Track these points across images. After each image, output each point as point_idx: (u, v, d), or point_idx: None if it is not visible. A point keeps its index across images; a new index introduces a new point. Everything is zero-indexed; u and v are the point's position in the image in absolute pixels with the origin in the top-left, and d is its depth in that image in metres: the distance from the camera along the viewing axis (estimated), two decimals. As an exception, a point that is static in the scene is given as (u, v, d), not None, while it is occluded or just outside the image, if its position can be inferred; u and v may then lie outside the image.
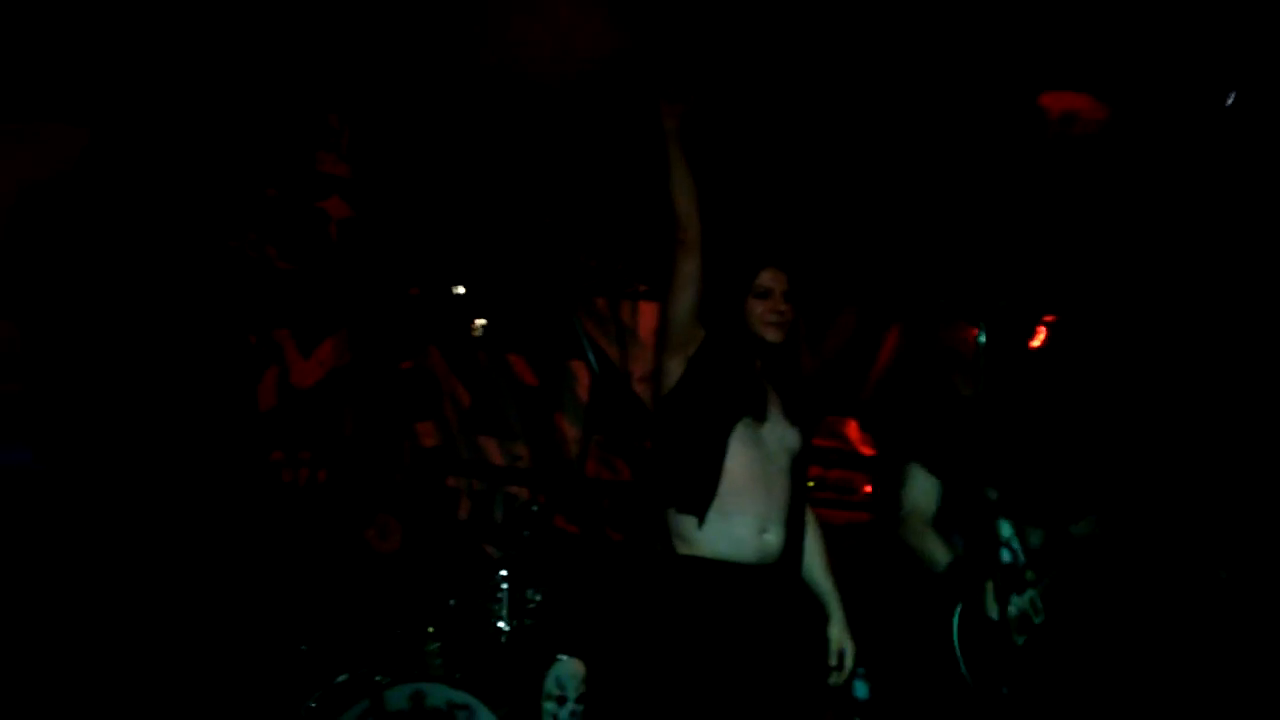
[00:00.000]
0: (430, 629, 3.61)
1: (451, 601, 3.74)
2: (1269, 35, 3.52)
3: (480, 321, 4.42)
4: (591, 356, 4.49)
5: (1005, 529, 3.21)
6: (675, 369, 2.54)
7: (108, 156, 4.19)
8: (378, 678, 3.38)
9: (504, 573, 3.77)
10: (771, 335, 2.58)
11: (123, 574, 3.75)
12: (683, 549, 2.46)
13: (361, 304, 4.88)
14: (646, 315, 5.06)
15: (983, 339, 2.95)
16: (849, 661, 2.62)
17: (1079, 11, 3.64)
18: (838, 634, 2.63)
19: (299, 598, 3.88)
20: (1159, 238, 4.15)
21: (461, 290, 4.37)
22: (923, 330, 4.79)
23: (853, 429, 4.96)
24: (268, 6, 4.12)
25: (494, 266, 4.98)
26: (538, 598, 3.80)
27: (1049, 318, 3.81)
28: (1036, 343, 3.79)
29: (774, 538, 2.49)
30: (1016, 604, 3.18)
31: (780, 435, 2.55)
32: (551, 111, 4.64)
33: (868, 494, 4.86)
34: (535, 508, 4.32)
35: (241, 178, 4.68)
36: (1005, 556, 3.20)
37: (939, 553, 3.11)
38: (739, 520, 2.45)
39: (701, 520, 2.43)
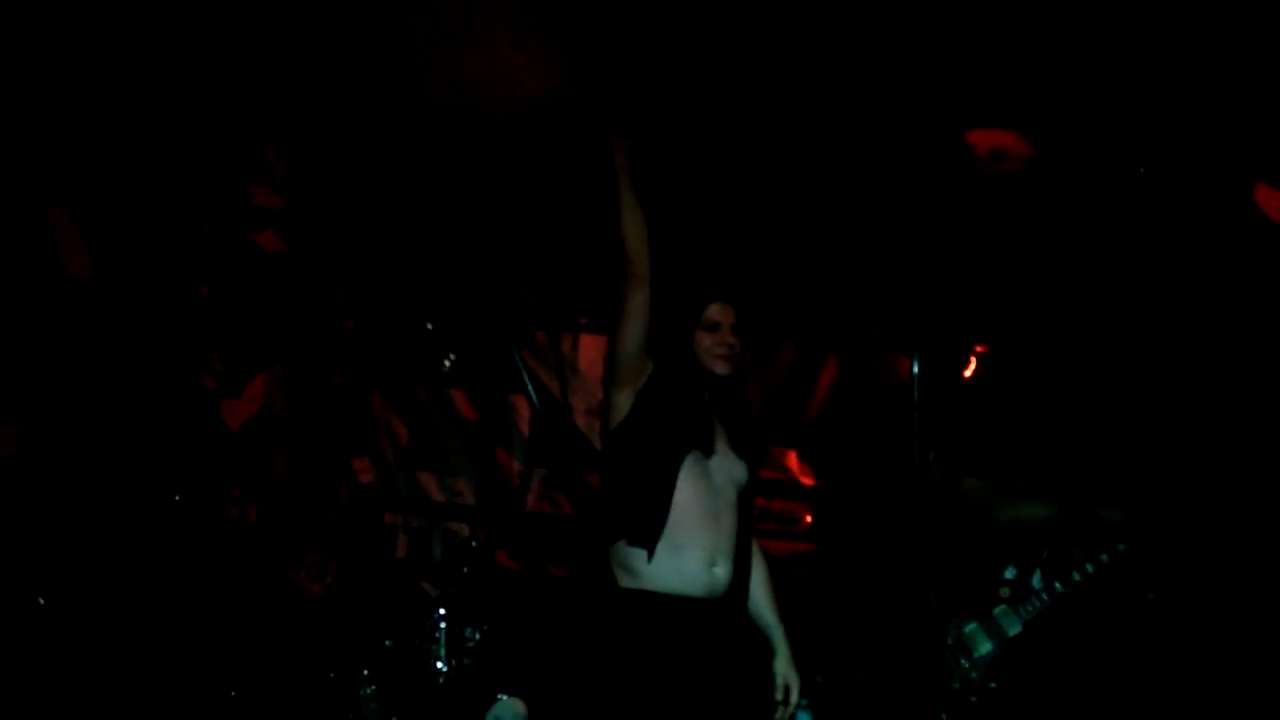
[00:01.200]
0: (365, 671, 3.51)
1: (387, 642, 3.65)
2: (1188, 71, 3.68)
3: (449, 360, 4.37)
4: (532, 390, 4.46)
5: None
6: (624, 402, 2.52)
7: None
8: (310, 723, 3.29)
9: (442, 611, 3.70)
10: (720, 368, 2.58)
11: (52, 614, 3.62)
12: (630, 583, 2.42)
13: (295, 338, 4.80)
14: (587, 348, 5.05)
15: (916, 369, 3.01)
16: (794, 696, 2.59)
17: (1005, 51, 3.77)
18: (783, 668, 2.60)
19: (228, 641, 3.77)
20: (1084, 269, 4.28)
21: (430, 327, 4.33)
22: (859, 362, 4.87)
23: (792, 460, 4.99)
24: (203, 34, 4.07)
25: (433, 300, 4.94)
26: (477, 636, 3.73)
27: (980, 348, 3.89)
28: (968, 372, 3.87)
29: (722, 571, 2.47)
30: (985, 618, 3.33)
31: (728, 468, 2.54)
32: (490, 145, 4.65)
33: (809, 524, 4.89)
34: (475, 544, 4.25)
35: (173, 211, 4.59)
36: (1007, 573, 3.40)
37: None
38: (688, 554, 2.42)
39: (651, 554, 2.40)
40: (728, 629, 2.51)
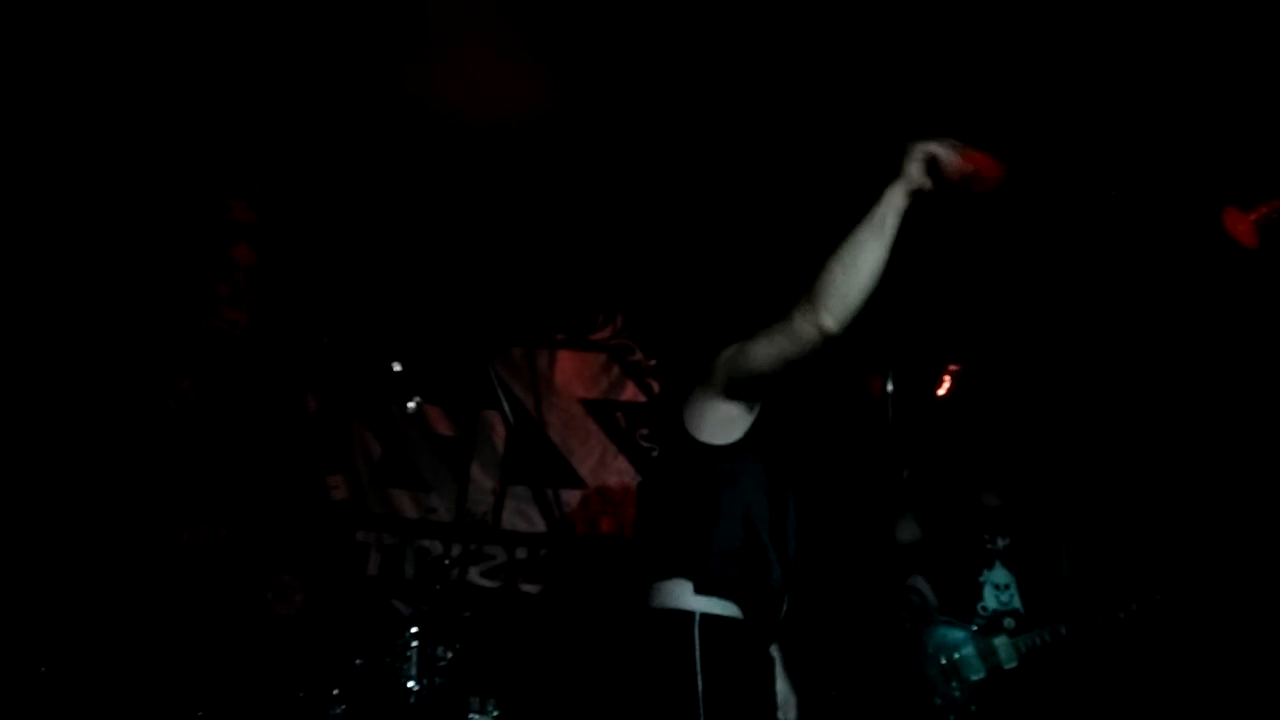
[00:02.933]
0: (335, 690, 3.46)
1: (358, 661, 3.60)
2: (1159, 95, 3.74)
3: (413, 403, 4.33)
4: (507, 406, 4.43)
5: (1003, 575, 3.41)
6: (740, 418, 2.27)
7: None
8: (278, 743, 3.24)
9: (414, 630, 3.65)
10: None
11: (14, 633, 3.55)
12: (711, 609, 2.21)
13: (269, 353, 4.76)
14: (564, 364, 5.04)
15: (891, 388, 3.02)
16: (793, 715, 2.50)
17: (978, 73, 3.81)
18: (785, 688, 2.50)
19: (195, 660, 3.71)
20: (1056, 289, 4.32)
21: (399, 367, 4.28)
22: (833, 379, 4.88)
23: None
24: (178, 48, 4.06)
25: (408, 315, 4.92)
26: (449, 655, 3.68)
27: (954, 366, 3.92)
28: (942, 391, 3.90)
29: (785, 605, 2.34)
30: (983, 645, 3.34)
31: (794, 490, 2.40)
32: (470, 160, 4.64)
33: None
34: (448, 561, 4.21)
35: (149, 224, 4.56)
36: (990, 600, 3.40)
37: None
38: (775, 595, 2.28)
39: (741, 578, 2.24)
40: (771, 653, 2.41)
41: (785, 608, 2.35)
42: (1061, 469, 4.09)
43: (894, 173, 2.20)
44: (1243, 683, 3.63)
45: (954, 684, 3.39)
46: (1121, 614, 3.36)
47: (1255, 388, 3.96)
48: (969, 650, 3.42)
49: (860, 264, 2.08)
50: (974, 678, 3.39)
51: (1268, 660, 3.64)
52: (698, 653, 2.18)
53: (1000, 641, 3.42)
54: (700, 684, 2.16)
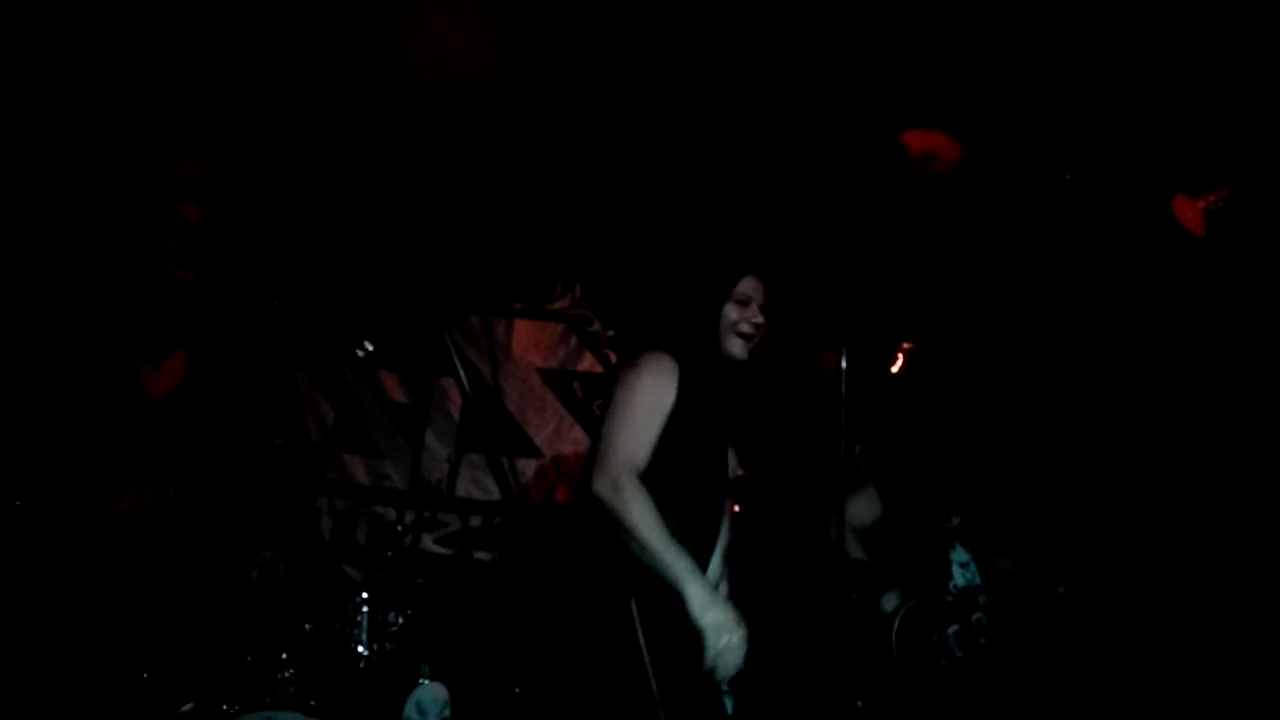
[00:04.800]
0: (284, 654, 3.45)
1: (307, 626, 3.59)
2: (1114, 83, 3.79)
3: (364, 348, 4.27)
4: (463, 374, 4.41)
5: (962, 553, 3.47)
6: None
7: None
8: (225, 707, 3.22)
9: (364, 595, 3.65)
10: (738, 349, 2.38)
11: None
12: (636, 585, 2.24)
13: (218, 313, 4.68)
14: (520, 333, 5.02)
15: (844, 364, 3.05)
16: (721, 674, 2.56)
17: (939, 57, 3.84)
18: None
19: (141, 622, 3.67)
20: (1010, 269, 4.39)
21: (371, 347, 4.22)
22: (787, 354, 4.92)
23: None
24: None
25: (363, 280, 4.86)
26: (400, 621, 3.69)
27: (907, 344, 3.97)
28: (895, 368, 3.96)
29: (716, 571, 2.37)
30: (963, 621, 3.42)
31: (729, 465, 2.43)
32: (428, 123, 4.58)
33: (736, 514, 4.93)
34: (400, 528, 4.21)
35: (94, 177, 4.45)
36: (958, 578, 3.47)
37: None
38: (697, 554, 2.29)
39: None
40: None
41: (718, 581, 2.40)
42: (1009, 451, 4.17)
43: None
44: (1169, 652, 3.76)
45: (943, 663, 3.45)
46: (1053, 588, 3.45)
47: (1200, 370, 4.07)
48: (954, 628, 3.47)
49: (638, 545, 2.17)
50: (960, 653, 3.45)
51: (1190, 628, 3.77)
52: (638, 624, 2.21)
53: (977, 617, 3.48)
54: (646, 655, 2.21)
